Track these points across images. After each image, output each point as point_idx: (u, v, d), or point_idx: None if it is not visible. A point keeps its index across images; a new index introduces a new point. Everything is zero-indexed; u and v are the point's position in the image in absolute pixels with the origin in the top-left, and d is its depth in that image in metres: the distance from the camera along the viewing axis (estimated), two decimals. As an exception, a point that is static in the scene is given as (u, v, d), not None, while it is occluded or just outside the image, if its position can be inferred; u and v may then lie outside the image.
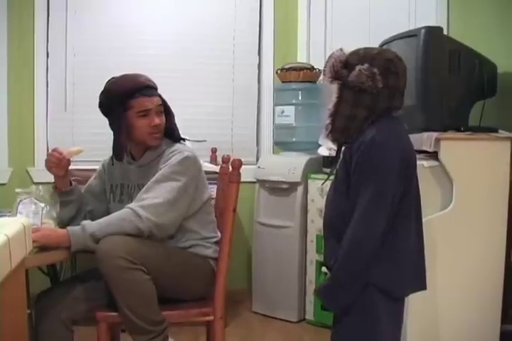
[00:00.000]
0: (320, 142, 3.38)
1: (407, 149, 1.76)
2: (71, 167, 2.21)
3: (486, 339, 2.43)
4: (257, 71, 3.82)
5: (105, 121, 2.20)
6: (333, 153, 3.11)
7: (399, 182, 1.70)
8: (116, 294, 1.94)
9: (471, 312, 2.40)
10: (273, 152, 3.79)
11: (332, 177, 1.87)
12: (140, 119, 2.13)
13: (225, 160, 2.39)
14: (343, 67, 1.74)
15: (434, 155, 2.35)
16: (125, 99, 2.11)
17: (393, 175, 1.68)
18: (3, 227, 1.12)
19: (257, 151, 3.85)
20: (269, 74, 3.77)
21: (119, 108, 2.11)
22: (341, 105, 1.75)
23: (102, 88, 2.18)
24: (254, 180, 3.48)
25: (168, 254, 2.07)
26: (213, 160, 3.42)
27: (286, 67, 3.51)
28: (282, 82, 3.55)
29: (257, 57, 3.81)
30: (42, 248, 1.90)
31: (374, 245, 1.67)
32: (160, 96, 2.19)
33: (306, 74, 3.47)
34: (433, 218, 2.30)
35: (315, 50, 3.73)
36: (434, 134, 2.34)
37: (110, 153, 2.24)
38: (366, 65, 1.70)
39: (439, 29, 2.49)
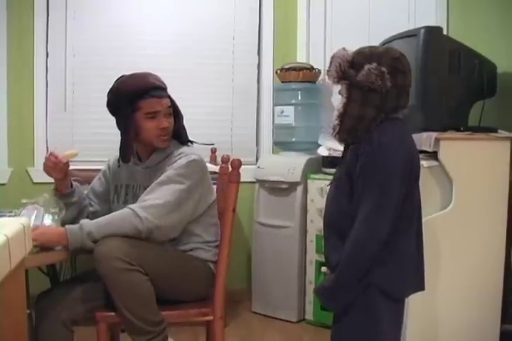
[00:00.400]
0: (319, 142, 3.39)
1: (412, 151, 1.76)
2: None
3: (486, 339, 2.43)
4: (257, 71, 3.82)
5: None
6: (333, 153, 3.16)
7: (402, 184, 1.69)
8: (115, 295, 1.94)
9: (470, 312, 2.40)
10: (272, 152, 3.79)
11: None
12: (148, 121, 2.11)
13: (225, 160, 2.39)
14: (349, 66, 1.72)
15: (433, 155, 2.35)
16: (134, 100, 2.08)
17: (397, 177, 1.68)
18: (3, 227, 1.12)
19: (257, 151, 3.85)
20: (268, 74, 3.77)
21: (127, 108, 2.08)
22: (350, 105, 1.73)
23: (110, 86, 2.15)
24: (254, 180, 3.48)
25: (167, 256, 2.07)
26: (213, 160, 3.42)
27: (286, 67, 3.51)
28: (282, 82, 3.55)
29: (257, 57, 3.81)
30: (41, 247, 1.90)
31: (378, 247, 1.67)
32: (170, 97, 2.17)
33: (306, 74, 3.47)
34: (433, 218, 2.30)
35: (314, 50, 3.73)
36: (434, 134, 2.34)
37: (111, 152, 2.24)
38: (374, 64, 1.69)
39: (439, 29, 2.49)
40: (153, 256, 2.01)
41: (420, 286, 1.83)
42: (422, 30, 2.41)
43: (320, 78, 3.57)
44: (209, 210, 2.20)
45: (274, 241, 3.37)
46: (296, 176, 3.30)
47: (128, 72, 2.18)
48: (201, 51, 3.72)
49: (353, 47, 1.79)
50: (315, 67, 3.52)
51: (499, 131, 2.43)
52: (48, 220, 2.08)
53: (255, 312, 3.48)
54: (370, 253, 1.67)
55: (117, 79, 2.16)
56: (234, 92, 3.80)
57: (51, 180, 2.22)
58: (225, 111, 3.80)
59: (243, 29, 3.78)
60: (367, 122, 1.72)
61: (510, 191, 2.43)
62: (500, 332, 2.44)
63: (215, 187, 2.44)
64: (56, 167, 2.12)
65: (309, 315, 3.30)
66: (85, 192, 2.31)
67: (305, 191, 3.30)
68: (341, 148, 1.88)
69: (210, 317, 2.13)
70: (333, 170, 3.02)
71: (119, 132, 2.15)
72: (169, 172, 2.08)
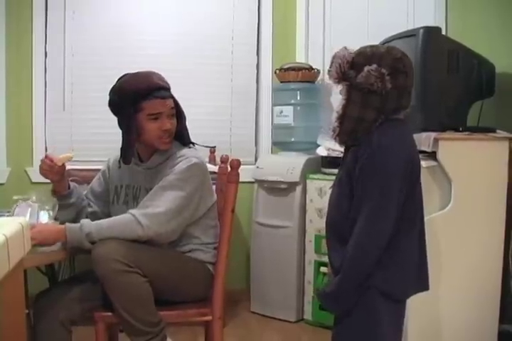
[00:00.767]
0: (318, 142, 3.39)
1: (412, 152, 1.75)
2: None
3: (485, 339, 2.43)
4: (256, 71, 3.82)
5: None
6: (332, 153, 3.16)
7: (403, 185, 1.68)
8: (113, 297, 1.94)
9: (469, 312, 2.40)
10: (271, 152, 3.78)
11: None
12: (150, 122, 2.08)
13: (224, 160, 2.39)
14: (349, 67, 1.70)
15: (432, 155, 2.35)
16: (137, 100, 2.05)
17: (397, 178, 1.67)
18: (2, 227, 1.12)
19: (256, 151, 3.84)
20: (267, 75, 3.77)
21: (129, 108, 2.06)
22: (349, 107, 1.71)
23: (111, 85, 2.12)
24: (253, 180, 3.48)
25: (165, 258, 2.06)
26: (212, 160, 3.42)
27: (285, 67, 3.51)
28: (281, 82, 3.55)
29: (256, 57, 3.81)
30: (40, 244, 1.91)
31: (379, 250, 1.67)
32: (173, 97, 2.14)
33: (305, 75, 3.47)
34: (431, 218, 2.29)
35: (313, 50, 3.73)
36: (433, 134, 2.34)
37: (110, 152, 2.22)
38: (374, 66, 1.66)
39: (438, 29, 2.50)
40: (152, 257, 2.01)
41: (424, 286, 1.82)
42: (421, 31, 2.41)
43: (319, 78, 3.57)
44: (209, 213, 2.19)
45: (273, 241, 3.37)
46: (295, 176, 3.30)
47: (128, 72, 2.15)
48: (200, 51, 3.72)
49: (352, 47, 1.77)
50: (314, 67, 3.52)
51: (498, 131, 2.44)
52: (44, 217, 2.09)
53: (254, 312, 3.47)
54: (373, 256, 1.67)
55: (120, 78, 2.13)
56: (233, 92, 3.80)
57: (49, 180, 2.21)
58: (224, 111, 3.80)
59: (242, 29, 3.78)
60: (367, 124, 1.70)
61: (508, 191, 2.43)
62: (499, 332, 2.44)
63: (213, 187, 2.44)
64: (52, 170, 2.11)
65: (308, 315, 3.30)
66: (84, 192, 2.31)
67: (304, 191, 3.30)
68: (340, 148, 1.87)
69: (209, 318, 2.13)
70: (332, 170, 3.03)
71: (118, 132, 2.13)
72: (170, 176, 2.07)
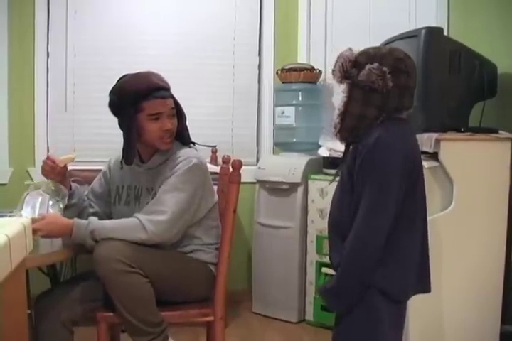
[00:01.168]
0: (320, 143, 3.39)
1: (412, 151, 1.76)
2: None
3: (486, 339, 2.43)
4: (258, 71, 3.82)
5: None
6: (334, 154, 3.16)
7: (402, 183, 1.69)
8: (114, 297, 1.95)
9: (470, 312, 2.40)
10: (273, 152, 3.78)
11: (337, 177, 1.86)
12: (151, 122, 2.08)
13: (225, 160, 2.39)
14: (352, 66, 1.73)
15: (434, 156, 2.35)
16: (137, 100, 2.05)
17: (396, 175, 1.68)
18: (4, 227, 1.12)
19: (257, 152, 3.84)
20: (269, 75, 3.77)
21: (130, 109, 2.06)
22: (351, 104, 1.74)
23: (112, 86, 2.12)
24: (255, 181, 3.48)
25: (166, 258, 2.07)
26: (213, 160, 3.42)
27: (287, 67, 3.51)
28: (282, 82, 3.55)
29: (258, 57, 3.81)
30: (44, 236, 1.93)
31: (378, 244, 1.67)
32: (173, 97, 2.15)
33: (307, 75, 3.47)
34: (433, 218, 2.29)
35: (315, 51, 3.73)
36: (434, 135, 2.34)
37: (111, 153, 2.22)
38: (376, 64, 1.69)
39: (440, 30, 2.50)
40: (153, 258, 2.01)
41: (424, 288, 1.82)
42: (423, 31, 2.41)
43: (321, 79, 3.57)
44: (210, 213, 2.19)
45: (275, 242, 3.37)
46: (297, 177, 3.30)
47: (129, 72, 2.16)
48: (202, 51, 3.72)
49: (356, 48, 1.79)
50: (316, 67, 3.52)
51: (500, 131, 2.43)
52: (54, 208, 2.08)
53: (255, 313, 3.47)
54: (372, 250, 1.67)
55: (120, 79, 2.14)
56: (235, 93, 3.80)
57: (52, 180, 2.21)
58: (225, 112, 3.79)
59: (244, 29, 3.78)
60: (368, 121, 1.73)
61: (510, 192, 2.43)
62: (500, 332, 2.44)
63: (215, 187, 2.44)
64: (54, 171, 2.11)
65: (309, 316, 3.30)
66: (85, 192, 2.31)
67: (305, 192, 3.30)
68: (342, 148, 1.88)
69: (211, 318, 2.13)
70: (334, 171, 3.03)
71: (119, 132, 2.13)
72: (171, 179, 2.07)
